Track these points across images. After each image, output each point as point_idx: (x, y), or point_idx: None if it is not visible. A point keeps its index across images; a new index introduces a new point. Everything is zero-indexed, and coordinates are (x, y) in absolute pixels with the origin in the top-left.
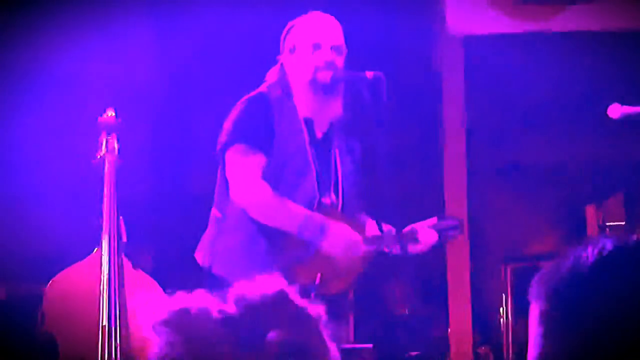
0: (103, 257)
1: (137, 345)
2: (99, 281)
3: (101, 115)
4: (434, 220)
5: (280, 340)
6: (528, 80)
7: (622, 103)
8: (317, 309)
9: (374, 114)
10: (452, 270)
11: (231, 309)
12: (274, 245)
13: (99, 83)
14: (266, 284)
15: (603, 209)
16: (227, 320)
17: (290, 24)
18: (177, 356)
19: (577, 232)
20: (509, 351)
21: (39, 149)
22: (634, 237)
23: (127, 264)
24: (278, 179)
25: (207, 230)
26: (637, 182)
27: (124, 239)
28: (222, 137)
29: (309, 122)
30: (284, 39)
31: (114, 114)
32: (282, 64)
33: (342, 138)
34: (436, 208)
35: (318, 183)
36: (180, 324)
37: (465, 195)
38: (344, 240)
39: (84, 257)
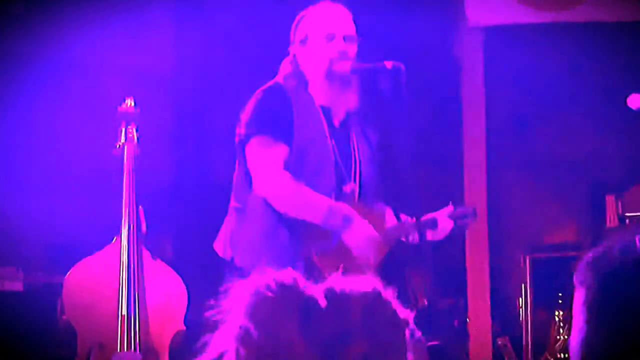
0: (122, 246)
1: (156, 334)
2: (118, 271)
3: (120, 105)
4: (450, 208)
5: (364, 340)
6: (548, 70)
7: None
8: (406, 314)
9: (393, 104)
10: (472, 261)
11: (321, 301)
12: (296, 236)
13: (118, 73)
14: (361, 281)
15: (623, 199)
16: (313, 312)
17: (300, 14)
18: (252, 342)
19: (596, 222)
20: (528, 341)
21: (59, 139)
22: None
23: (146, 253)
24: (299, 168)
25: (226, 221)
26: None
27: (144, 229)
28: (241, 129)
29: (326, 111)
30: (295, 29)
31: (133, 103)
32: (294, 56)
33: (360, 127)
34: (455, 198)
35: (338, 171)
36: (264, 308)
37: (485, 185)
38: (364, 236)
39: (104, 247)
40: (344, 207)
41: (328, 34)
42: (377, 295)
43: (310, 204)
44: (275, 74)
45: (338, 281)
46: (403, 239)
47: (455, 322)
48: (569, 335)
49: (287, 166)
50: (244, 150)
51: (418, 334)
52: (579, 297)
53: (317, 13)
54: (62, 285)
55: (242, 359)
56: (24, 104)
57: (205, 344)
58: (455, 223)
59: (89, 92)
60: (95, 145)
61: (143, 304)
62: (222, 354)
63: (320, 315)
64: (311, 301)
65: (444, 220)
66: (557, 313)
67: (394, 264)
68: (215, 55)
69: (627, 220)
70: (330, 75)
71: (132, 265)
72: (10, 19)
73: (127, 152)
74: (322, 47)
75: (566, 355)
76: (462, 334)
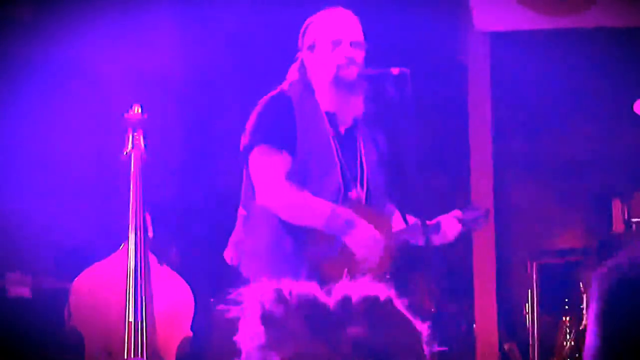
0: (129, 252)
1: (162, 340)
2: (125, 277)
3: (127, 112)
4: (458, 211)
5: (377, 349)
6: (554, 75)
7: None
8: (420, 325)
9: (400, 109)
10: (478, 266)
11: (333, 306)
12: (300, 242)
13: (125, 79)
14: (374, 289)
15: (629, 204)
16: (324, 317)
17: (308, 20)
18: (261, 345)
19: (602, 227)
20: (535, 347)
21: (66, 145)
22: None
23: (153, 259)
24: (303, 174)
25: (235, 229)
26: None
27: (150, 235)
28: (245, 138)
29: (332, 117)
30: (303, 35)
31: (140, 110)
32: (302, 61)
33: (366, 132)
34: (462, 203)
35: (343, 177)
36: (279, 312)
37: (492, 190)
38: (367, 236)
39: (111, 253)
40: (346, 212)
41: (335, 39)
42: (390, 303)
43: (312, 210)
44: (282, 81)
45: (350, 288)
46: (412, 242)
47: (462, 327)
48: (575, 341)
49: (290, 174)
50: (247, 159)
51: (434, 346)
52: (593, 309)
53: (324, 19)
54: (69, 291)
55: None
56: (32, 109)
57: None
58: (466, 225)
59: (96, 98)
60: (103, 152)
61: (150, 310)
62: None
63: (332, 323)
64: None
65: (449, 223)
66: (563, 318)
67: (401, 268)
68: (223, 61)
69: (634, 226)
70: (336, 81)
71: (139, 272)
72: (17, 24)
73: (134, 159)
74: (329, 53)
75: None
76: (469, 339)
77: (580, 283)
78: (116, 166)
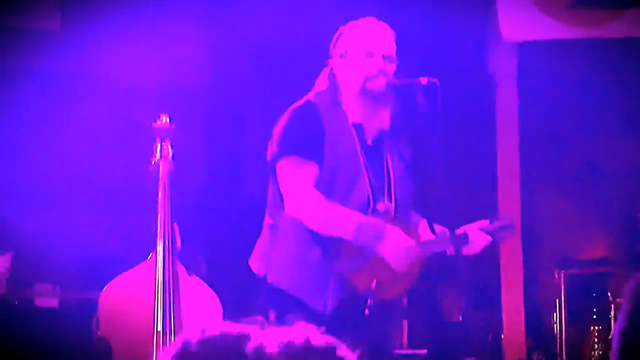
0: (158, 262)
1: None
2: (153, 287)
3: (155, 121)
4: (485, 222)
5: None
6: (581, 85)
7: None
8: None
9: (428, 119)
10: (506, 276)
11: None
12: (329, 253)
13: (153, 89)
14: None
15: None
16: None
17: (342, 28)
18: None
19: (630, 238)
20: (563, 356)
21: (94, 156)
22: None
23: (181, 269)
24: (331, 186)
25: (261, 238)
26: None
27: (179, 245)
28: (273, 148)
29: (359, 128)
30: (335, 43)
31: (168, 120)
32: (332, 69)
33: (393, 143)
34: (490, 213)
35: (371, 189)
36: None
37: (519, 199)
38: (399, 244)
39: (139, 263)
40: (375, 222)
41: (368, 51)
42: (332, 351)
43: (340, 221)
44: (309, 90)
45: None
46: (440, 252)
47: (490, 337)
48: (603, 351)
49: (318, 185)
50: (275, 169)
51: None
52: (620, 319)
53: (359, 28)
54: (97, 301)
55: None
56: (60, 120)
57: None
58: (492, 236)
59: (124, 108)
60: (131, 162)
61: (178, 320)
62: None
63: None
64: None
65: (478, 234)
66: (591, 328)
67: (428, 279)
68: (250, 71)
69: None
70: (364, 92)
71: (167, 282)
72: (45, 35)
73: (162, 169)
74: (360, 63)
75: None
76: (497, 348)
77: (609, 293)
78: (144, 176)
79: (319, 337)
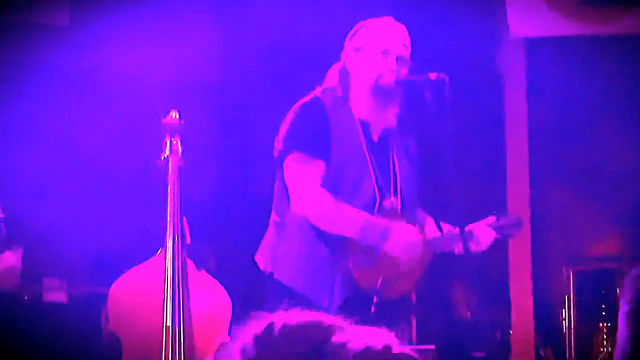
0: (167, 258)
1: (200, 345)
2: (163, 282)
3: (165, 117)
4: (492, 219)
5: None
6: (590, 82)
7: None
8: None
9: (437, 115)
10: (514, 272)
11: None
12: (335, 250)
13: (162, 85)
14: (374, 337)
15: None
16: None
17: (360, 23)
18: None
19: (639, 234)
20: (572, 354)
21: (103, 151)
22: None
23: (191, 265)
24: (337, 183)
25: (267, 234)
26: None
27: (188, 241)
28: (279, 145)
29: (365, 125)
30: (352, 37)
31: (177, 115)
32: (344, 63)
33: (399, 140)
34: (498, 210)
35: (378, 186)
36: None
37: (528, 196)
38: (405, 241)
39: (148, 258)
40: (380, 221)
41: (384, 49)
42: (388, 351)
43: (346, 221)
44: (319, 87)
45: (350, 335)
46: (447, 250)
47: (498, 334)
48: (612, 347)
49: (324, 182)
50: (281, 165)
51: None
52: (622, 310)
53: (377, 26)
54: (107, 296)
55: None
56: (69, 115)
57: None
58: (499, 233)
59: (133, 104)
60: (140, 157)
61: (188, 315)
62: None
63: None
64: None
65: (484, 231)
66: (600, 325)
67: (436, 276)
68: (259, 67)
69: None
70: (375, 89)
71: (176, 277)
72: (54, 30)
73: (171, 164)
74: (375, 60)
75: None
76: (505, 345)
77: (617, 289)
78: (154, 171)
79: (399, 346)
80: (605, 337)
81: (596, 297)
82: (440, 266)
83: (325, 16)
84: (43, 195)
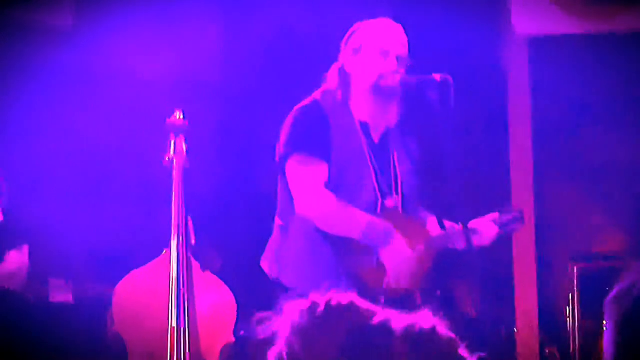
0: (172, 258)
1: (205, 346)
2: (168, 282)
3: (169, 117)
4: (495, 214)
5: None
6: (594, 79)
7: None
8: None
9: (441, 115)
10: (519, 270)
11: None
12: (339, 252)
13: (166, 85)
14: (419, 317)
15: None
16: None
17: (356, 25)
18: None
19: None
20: (576, 351)
21: (107, 151)
22: None
23: (195, 265)
24: (339, 184)
25: (272, 239)
26: None
27: (193, 241)
28: (280, 149)
29: (365, 127)
30: (348, 39)
31: (182, 115)
32: (343, 65)
33: (399, 139)
34: (503, 207)
35: (379, 186)
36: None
37: (532, 194)
38: (399, 256)
39: (153, 259)
40: (382, 224)
41: (384, 50)
42: (434, 331)
43: (350, 220)
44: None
45: (393, 316)
46: (450, 247)
47: (502, 331)
48: None
49: (327, 183)
50: (283, 169)
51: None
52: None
53: (375, 27)
54: (112, 297)
55: None
56: (73, 115)
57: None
58: (502, 228)
59: (137, 104)
60: (145, 158)
61: (193, 315)
62: None
63: (367, 342)
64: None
65: (487, 226)
66: (604, 323)
67: (440, 273)
68: (264, 69)
69: None
70: (376, 89)
71: (181, 277)
72: (58, 32)
73: (176, 164)
74: (375, 60)
75: None
76: (510, 343)
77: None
78: (158, 172)
79: (444, 329)
80: None
81: (601, 294)
82: (444, 265)
83: (329, 17)
84: (48, 196)
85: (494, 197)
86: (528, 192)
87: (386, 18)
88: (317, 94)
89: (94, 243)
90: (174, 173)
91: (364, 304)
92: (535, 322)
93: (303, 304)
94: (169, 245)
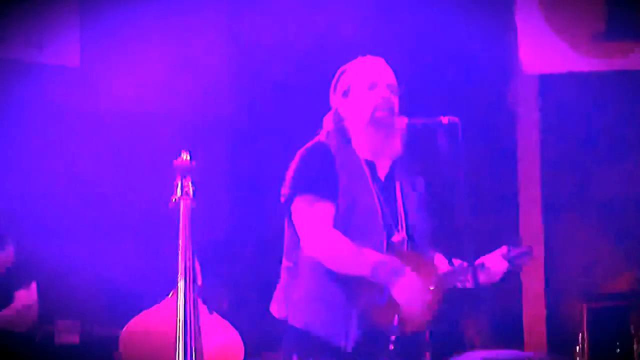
0: (179, 300)
1: None
2: (175, 324)
3: (176, 159)
4: (504, 248)
5: None
6: (603, 117)
7: None
8: None
9: (450, 156)
10: (528, 308)
11: None
12: (349, 291)
13: (174, 126)
14: None
15: None
16: None
17: (341, 69)
18: None
19: None
20: None
21: (115, 193)
22: None
23: (203, 307)
24: (346, 223)
25: (280, 282)
26: None
27: (200, 283)
28: (286, 189)
29: (370, 165)
30: (336, 83)
31: (189, 157)
32: (336, 109)
33: (405, 177)
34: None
35: (385, 223)
36: None
37: (542, 232)
38: (412, 289)
39: (160, 300)
40: (391, 261)
41: (371, 83)
42: None
43: (359, 259)
44: (321, 130)
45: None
46: (458, 285)
47: None
48: None
49: (334, 223)
50: (289, 210)
51: None
52: None
53: (358, 65)
54: (118, 338)
55: None
56: (81, 157)
57: None
58: (511, 263)
59: (144, 145)
60: (152, 199)
61: (200, 358)
62: None
63: None
64: None
65: (495, 261)
66: None
67: (449, 311)
68: (273, 109)
69: None
70: (373, 121)
71: (188, 319)
72: (66, 72)
73: (183, 206)
74: (365, 95)
75: None
76: None
77: (631, 326)
78: (165, 213)
79: None
80: None
81: (611, 333)
82: (454, 302)
83: (335, 59)
84: (55, 238)
85: (503, 234)
86: (537, 231)
87: (368, 55)
88: (321, 135)
89: (101, 284)
90: (181, 214)
91: None
92: None
93: None
94: (176, 287)
